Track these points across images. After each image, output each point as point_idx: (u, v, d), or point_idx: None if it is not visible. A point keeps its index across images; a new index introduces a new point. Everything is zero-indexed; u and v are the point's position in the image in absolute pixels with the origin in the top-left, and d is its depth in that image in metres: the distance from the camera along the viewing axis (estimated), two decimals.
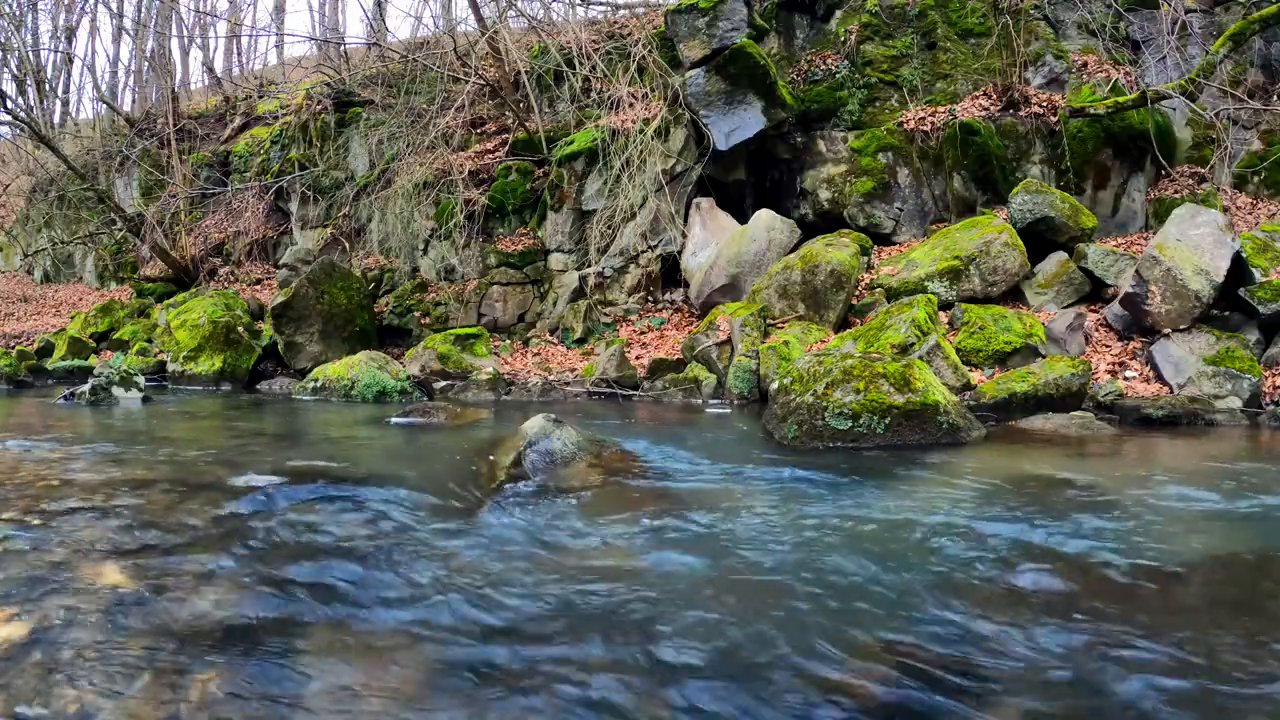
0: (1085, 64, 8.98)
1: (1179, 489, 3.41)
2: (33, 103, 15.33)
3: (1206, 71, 7.67)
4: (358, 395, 6.97)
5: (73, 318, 12.11)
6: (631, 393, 7.09)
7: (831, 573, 2.38)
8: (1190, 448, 4.63)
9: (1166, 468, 4.16)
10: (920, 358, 5.63)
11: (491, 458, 3.68)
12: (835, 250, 7.48)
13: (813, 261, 7.39)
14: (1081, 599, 2.19)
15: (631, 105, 9.14)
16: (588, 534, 2.76)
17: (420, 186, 10.03)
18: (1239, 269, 6.24)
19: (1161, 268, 6.24)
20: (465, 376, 7.56)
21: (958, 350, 6.32)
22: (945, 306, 7.03)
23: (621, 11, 11.38)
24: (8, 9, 14.77)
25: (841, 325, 7.28)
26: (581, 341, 8.63)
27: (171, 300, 10.56)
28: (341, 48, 14.71)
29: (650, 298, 8.99)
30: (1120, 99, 7.96)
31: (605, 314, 8.87)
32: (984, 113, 8.64)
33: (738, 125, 8.76)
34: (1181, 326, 6.17)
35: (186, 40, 19.58)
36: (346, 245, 11.23)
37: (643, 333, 8.54)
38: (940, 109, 8.90)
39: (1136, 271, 6.39)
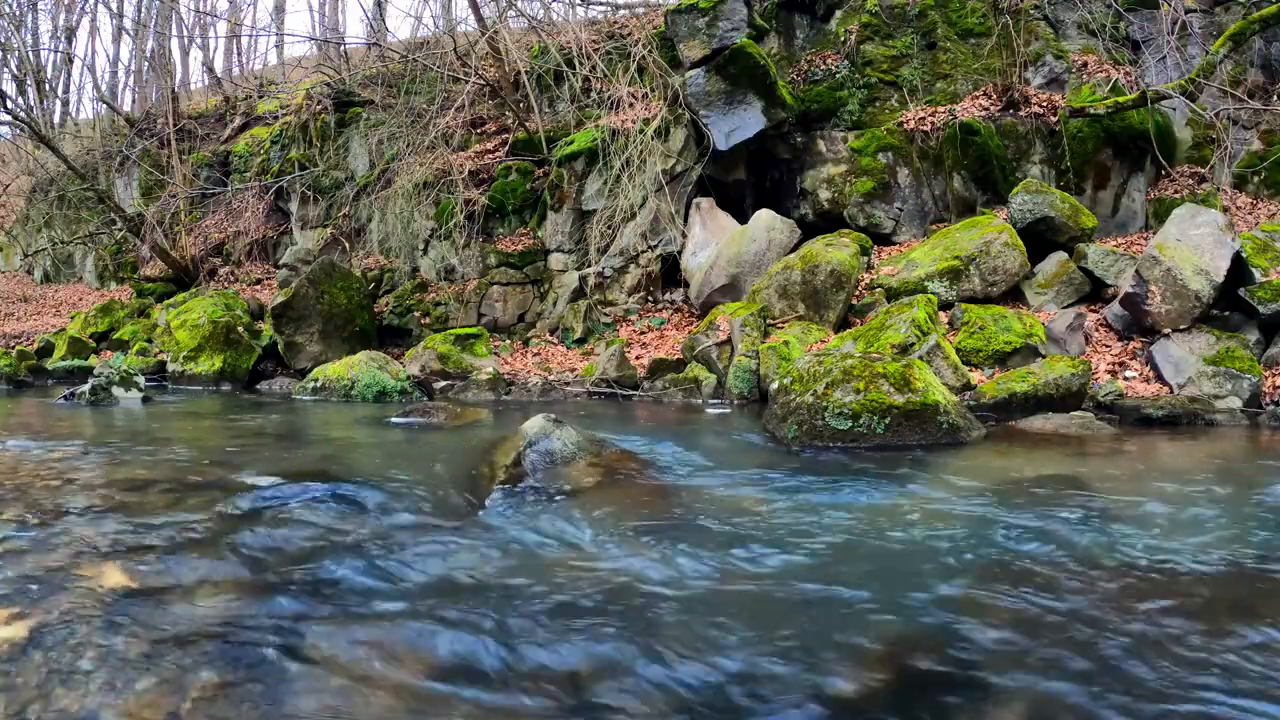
0: (1085, 64, 8.98)
1: (1178, 489, 3.41)
2: (33, 103, 15.33)
3: (1206, 71, 7.67)
4: (358, 395, 6.97)
5: (73, 318, 12.11)
6: (631, 393, 7.09)
7: (832, 573, 2.38)
8: (1190, 448, 4.63)
9: (1166, 468, 4.16)
10: (920, 358, 5.63)
11: (491, 458, 3.68)
12: (835, 250, 7.48)
13: (813, 261, 7.39)
14: (1082, 598, 2.19)
15: (631, 105, 9.14)
16: (588, 534, 2.76)
17: (420, 186, 10.03)
18: (1239, 269, 6.24)
19: (1161, 268, 6.24)
20: (465, 376, 7.56)
21: (958, 350, 6.32)
22: (945, 306, 7.03)
23: (621, 11, 11.38)
24: (8, 9, 14.78)
25: (841, 325, 7.28)
26: (581, 341, 8.63)
27: (171, 300, 10.56)
28: (341, 48, 14.71)
29: (650, 298, 8.99)
30: (1120, 99, 7.96)
31: (605, 314, 8.87)
32: (984, 113, 8.64)
33: (738, 125, 8.76)
34: (1181, 326, 6.16)
35: (186, 40, 19.59)
36: (346, 245, 11.23)
37: (643, 333, 8.54)
38: (940, 109, 8.90)
39: (1136, 271, 6.39)
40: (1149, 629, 2.00)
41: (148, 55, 17.23)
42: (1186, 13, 8.57)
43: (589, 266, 9.03)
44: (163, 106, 15.19)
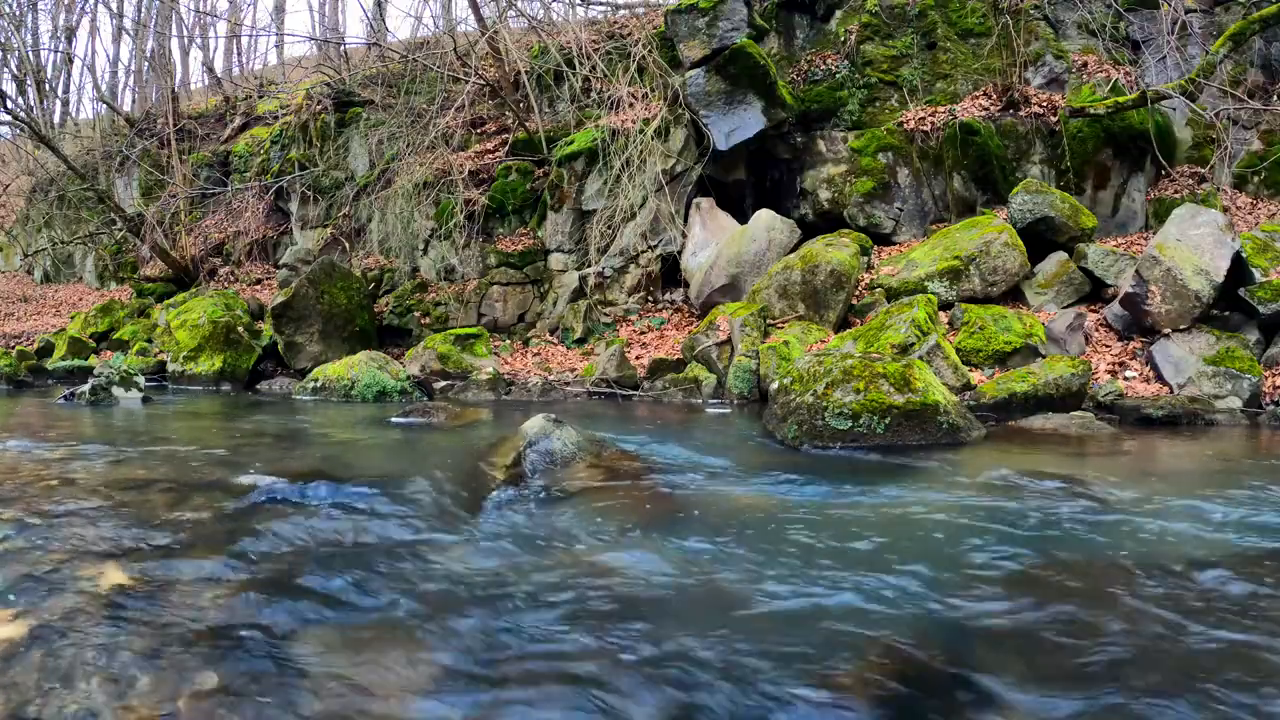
0: (1085, 64, 8.98)
1: (1178, 488, 3.41)
2: (33, 103, 15.33)
3: (1206, 71, 7.67)
4: (358, 395, 6.96)
5: (73, 318, 12.11)
6: (631, 393, 7.09)
7: (832, 572, 2.38)
8: (1190, 448, 4.63)
9: (1166, 468, 4.17)
10: (920, 358, 5.63)
11: (491, 458, 3.68)
12: (835, 250, 7.48)
13: (813, 261, 7.39)
14: (1083, 598, 2.19)
15: (631, 105, 9.14)
16: (588, 534, 2.76)
17: (420, 186, 10.03)
18: (1239, 269, 6.24)
19: (1161, 268, 6.24)
20: (465, 376, 7.56)
21: (958, 350, 6.32)
22: (945, 306, 7.02)
23: (621, 11, 11.38)
24: (8, 9, 14.77)
25: (841, 325, 7.28)
26: (581, 341, 8.63)
27: (171, 300, 10.56)
28: (341, 48, 14.71)
29: (650, 298, 8.99)
30: (1120, 99, 7.96)
31: (605, 314, 8.87)
32: (984, 113, 8.64)
33: (738, 125, 8.76)
34: (1181, 326, 6.16)
35: (186, 40, 19.59)
36: (346, 245, 11.23)
37: (643, 333, 8.54)
38: (940, 109, 8.90)
39: (1136, 271, 6.39)
40: (1148, 629, 2.00)
41: (148, 55, 17.23)
42: (1186, 13, 8.57)
43: (589, 266, 9.03)
44: (163, 106, 15.19)
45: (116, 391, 6.72)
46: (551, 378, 7.67)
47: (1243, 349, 5.85)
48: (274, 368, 8.99)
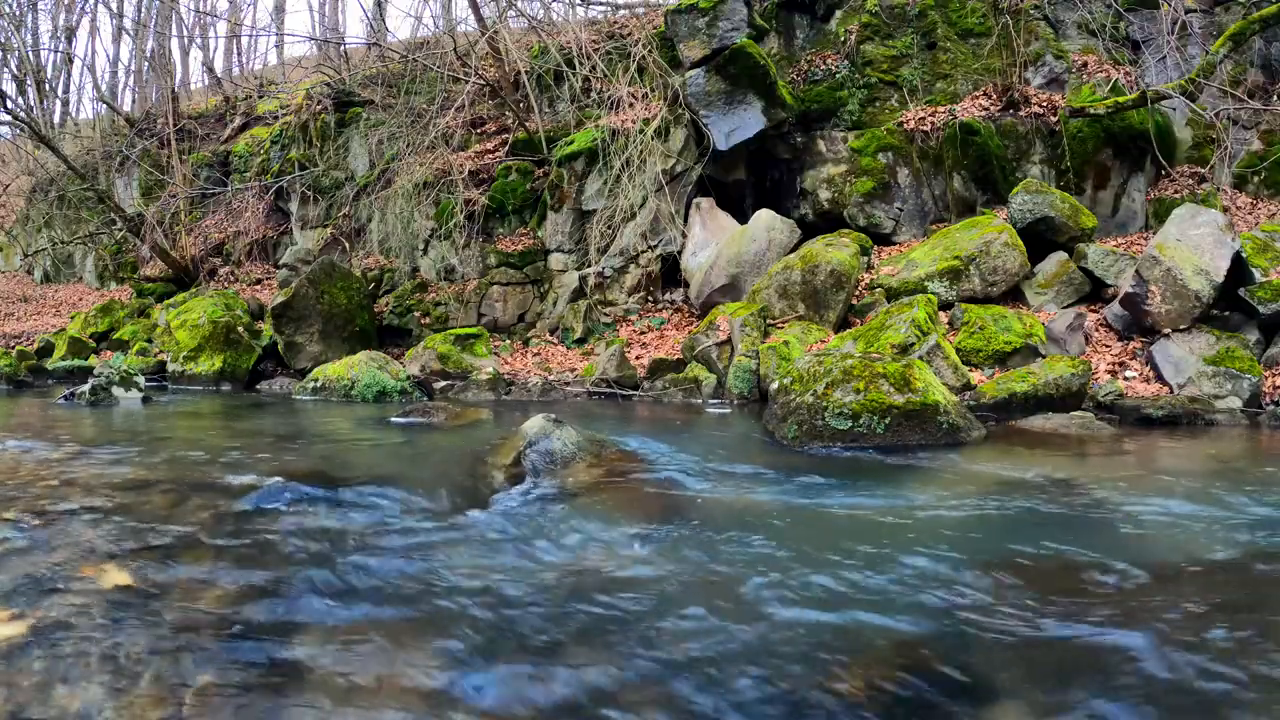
0: (1085, 64, 8.98)
1: (1177, 488, 3.41)
2: (33, 103, 15.34)
3: (1206, 71, 7.67)
4: (358, 395, 6.96)
5: (73, 318, 12.11)
6: (631, 393, 7.09)
7: (832, 571, 2.38)
8: (1190, 448, 4.62)
9: (1166, 468, 4.16)
10: (920, 358, 5.63)
11: (491, 458, 3.68)
12: (835, 250, 7.48)
13: (813, 261, 7.39)
14: (1083, 598, 2.19)
15: (631, 105, 9.14)
16: (588, 534, 2.76)
17: (420, 186, 10.03)
18: (1239, 269, 6.24)
19: (1161, 268, 6.24)
20: (465, 376, 7.56)
21: (958, 350, 6.32)
22: (945, 306, 7.03)
23: (621, 11, 11.39)
24: (8, 9, 14.78)
25: (841, 325, 7.28)
26: (581, 341, 8.63)
27: (171, 300, 10.56)
28: (341, 48, 14.71)
29: (650, 298, 8.99)
30: (1120, 99, 7.96)
31: (605, 314, 8.87)
32: (984, 113, 8.64)
33: (738, 125, 8.76)
34: (1181, 326, 6.16)
35: (186, 40, 19.60)
36: (346, 245, 11.23)
37: (643, 333, 8.54)
38: (940, 109, 8.90)
39: (1136, 271, 6.39)
40: (1148, 627, 1.99)
41: (148, 55, 17.24)
42: (1186, 13, 8.58)
43: (589, 266, 9.03)
44: (163, 106, 15.20)
45: (116, 391, 6.72)
46: (551, 378, 7.67)
47: (1243, 349, 5.85)
48: (274, 368, 9.00)
